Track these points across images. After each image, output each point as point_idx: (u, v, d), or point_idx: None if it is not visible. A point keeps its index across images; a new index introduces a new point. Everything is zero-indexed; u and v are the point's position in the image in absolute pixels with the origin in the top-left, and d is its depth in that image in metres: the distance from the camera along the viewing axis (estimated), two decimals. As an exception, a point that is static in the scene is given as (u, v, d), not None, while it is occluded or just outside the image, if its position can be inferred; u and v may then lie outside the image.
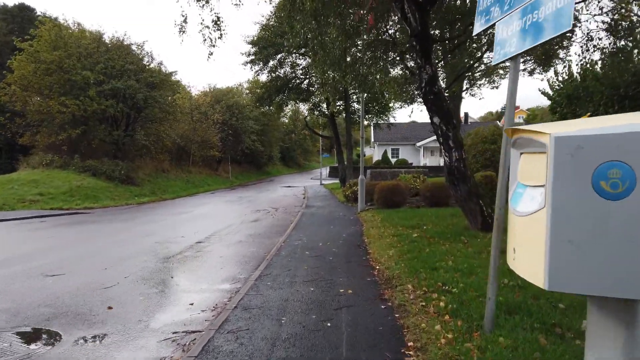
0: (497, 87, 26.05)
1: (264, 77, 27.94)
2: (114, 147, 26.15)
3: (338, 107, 30.02)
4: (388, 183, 14.29)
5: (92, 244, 9.76)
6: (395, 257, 6.93)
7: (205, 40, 8.98)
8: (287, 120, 54.29)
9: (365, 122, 32.40)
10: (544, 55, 22.47)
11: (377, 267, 6.69)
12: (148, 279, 6.52)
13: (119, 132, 25.86)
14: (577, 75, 13.06)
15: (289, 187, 32.33)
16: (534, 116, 69.66)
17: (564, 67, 13.67)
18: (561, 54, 22.28)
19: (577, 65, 13.03)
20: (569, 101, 12.90)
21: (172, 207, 18.26)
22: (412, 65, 11.93)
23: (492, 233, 3.86)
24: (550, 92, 14.16)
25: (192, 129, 34.16)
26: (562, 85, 13.50)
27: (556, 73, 13.87)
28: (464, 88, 24.30)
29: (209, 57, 9.30)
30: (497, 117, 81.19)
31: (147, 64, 27.16)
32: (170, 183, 28.66)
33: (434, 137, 47.08)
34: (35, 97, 23.85)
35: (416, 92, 19.80)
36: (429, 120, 9.51)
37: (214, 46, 9.10)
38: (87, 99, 23.70)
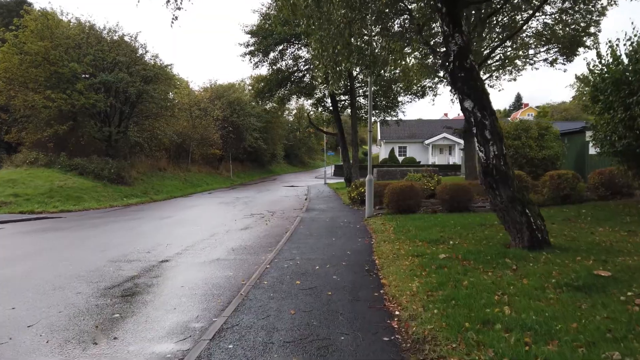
0: (515, 80, 23.50)
1: (264, 70, 25.88)
2: (106, 144, 24.14)
3: (343, 103, 27.83)
4: (400, 184, 12.05)
5: (29, 262, 7.62)
6: (422, 296, 4.70)
7: (168, 1, 6.84)
8: (292, 118, 52.15)
9: (372, 119, 30.14)
10: (570, 42, 20.08)
11: (397, 313, 4.46)
12: (59, 330, 4.35)
13: (111, 128, 23.84)
14: (625, 57, 10.76)
15: (292, 186, 30.18)
16: (544, 113, 66.89)
17: (609, 48, 11.23)
18: (588, 41, 19.97)
19: (624, 45, 10.75)
20: (615, 87, 10.58)
21: (159, 210, 16.16)
22: (433, 42, 9.63)
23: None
24: (591, 78, 11.83)
25: (191, 125, 32.09)
26: (605, 70, 11.16)
27: (599, 55, 11.45)
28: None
29: (172, 22, 7.08)
30: (504, 115, 78.24)
31: (141, 56, 25.06)
32: (166, 182, 26.60)
33: (443, 135, 44.70)
34: (20, 91, 21.86)
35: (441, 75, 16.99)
36: (459, 106, 7.26)
37: (179, 9, 6.95)
38: (75, 92, 21.68)
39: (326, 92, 27.44)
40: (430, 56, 10.82)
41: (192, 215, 14.29)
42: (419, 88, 22.52)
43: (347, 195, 17.54)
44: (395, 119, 26.69)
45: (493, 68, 22.54)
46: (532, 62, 22.06)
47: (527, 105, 77.17)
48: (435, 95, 22.87)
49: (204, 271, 6.70)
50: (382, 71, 10.06)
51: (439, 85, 22.84)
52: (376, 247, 7.78)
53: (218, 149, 34.63)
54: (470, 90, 7.01)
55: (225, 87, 37.38)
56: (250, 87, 35.35)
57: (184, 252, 8.11)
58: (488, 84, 22.48)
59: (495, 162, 6.87)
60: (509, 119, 62.41)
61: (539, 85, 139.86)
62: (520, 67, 22.75)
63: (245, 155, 40.96)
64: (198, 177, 31.32)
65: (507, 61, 22.19)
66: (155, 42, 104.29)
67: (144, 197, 21.47)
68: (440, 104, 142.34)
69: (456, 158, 43.38)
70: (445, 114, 72.57)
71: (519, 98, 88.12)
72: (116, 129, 23.98)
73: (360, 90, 26.88)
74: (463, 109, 7.17)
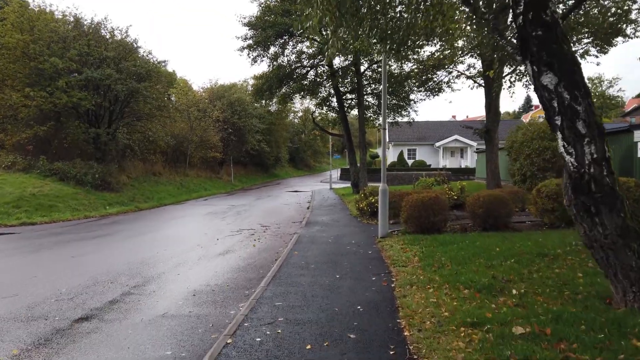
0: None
1: (264, 67, 23.35)
2: (94, 147, 21.76)
3: (349, 102, 25.21)
4: (422, 196, 9.35)
5: None
6: None
7: None
8: (297, 121, 49.67)
9: (378, 125, 27.44)
10: (607, 31, 17.16)
11: None
12: None
13: (101, 130, 21.43)
14: None
15: (295, 191, 27.60)
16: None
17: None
18: (628, 29, 17.11)
19: None
20: None
21: (137, 222, 13.65)
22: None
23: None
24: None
25: (189, 127, 29.66)
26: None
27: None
28: (506, 74, 19.16)
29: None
30: (513, 117, 74.90)
31: (131, 51, 22.66)
32: (160, 188, 24.14)
33: (454, 137, 41.77)
34: (-3, 89, 19.59)
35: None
36: (533, 84, 4.58)
37: None
38: (57, 90, 19.34)
39: (331, 91, 24.88)
40: (473, 16, 8.05)
41: (170, 231, 11.74)
42: (435, 83, 19.80)
43: (354, 204, 14.87)
44: (406, 119, 23.94)
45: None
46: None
47: (538, 106, 73.87)
48: (452, 90, 20.03)
49: (130, 347, 4.09)
50: (406, 48, 7.31)
51: (456, 81, 20.09)
52: (400, 296, 5.11)
53: (218, 152, 32.17)
54: (553, 58, 4.35)
55: (227, 88, 34.92)
56: (252, 88, 32.98)
57: (123, 300, 5.52)
58: (514, 79, 19.66)
59: (593, 170, 4.20)
60: (523, 120, 59.31)
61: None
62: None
63: (248, 158, 38.48)
64: (196, 182, 28.85)
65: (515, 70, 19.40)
66: (157, 43, 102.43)
67: (129, 205, 19.01)
68: (446, 104, 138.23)
69: (468, 161, 40.50)
70: (454, 116, 69.60)
71: (528, 100, 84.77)
72: (105, 130, 21.57)
73: (369, 89, 24.25)
74: (539, 87, 4.50)
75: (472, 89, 19.62)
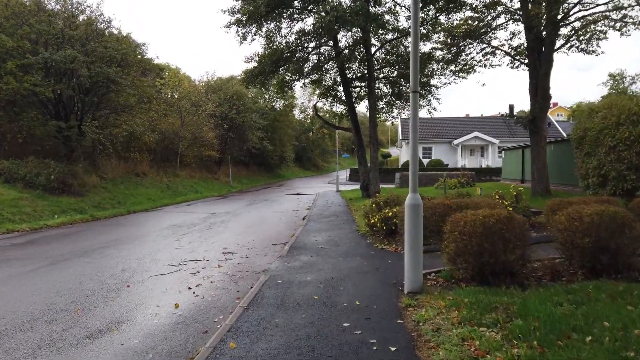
0: (594, 53, 15.79)
1: (256, 47, 19.07)
2: (63, 143, 17.86)
3: (358, 91, 20.83)
4: (484, 215, 4.93)
5: None
6: None
7: None
8: (303, 117, 45.44)
9: (392, 119, 22.91)
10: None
11: None
12: None
13: (61, 122, 17.50)
14: None
15: (297, 194, 23.36)
16: (580, 112, 58.20)
17: None
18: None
19: None
20: None
21: (57, 243, 9.47)
22: None
23: None
24: None
25: (180, 122, 25.63)
26: None
27: None
28: (563, 38, 14.50)
29: None
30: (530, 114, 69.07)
31: (101, 31, 18.68)
32: (139, 191, 20.12)
33: (474, 134, 36.62)
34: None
35: None
36: None
37: None
38: (7, 75, 15.46)
39: (337, 78, 20.60)
40: None
41: (77, 265, 7.50)
42: (464, 61, 15.29)
43: (363, 214, 10.38)
44: (426, 109, 19.38)
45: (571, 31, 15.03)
46: (625, 21, 14.32)
47: (556, 104, 68.20)
48: (486, 66, 15.45)
49: None
50: None
51: (491, 58, 15.55)
52: None
53: (214, 151, 28.09)
54: None
55: (224, 80, 30.79)
56: (242, 73, 28.52)
57: None
58: (575, 46, 14.96)
59: None
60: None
61: (567, 84, 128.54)
62: (602, 34, 15.11)
63: (250, 157, 34.36)
64: (187, 184, 24.78)
65: (586, 26, 14.73)
66: (155, 38, 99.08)
67: (89, 212, 14.97)
68: (458, 103, 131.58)
69: (490, 160, 35.67)
70: (467, 115, 64.48)
71: (511, 108, 78.77)
72: (68, 124, 17.60)
73: (381, 74, 19.82)
74: None
75: (512, 67, 14.89)
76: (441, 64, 16.05)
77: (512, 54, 15.26)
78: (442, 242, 5.43)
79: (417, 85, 4.83)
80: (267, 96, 36.33)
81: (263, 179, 36.00)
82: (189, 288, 5.50)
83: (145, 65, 20.90)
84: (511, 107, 41.44)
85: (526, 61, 14.71)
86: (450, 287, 5.04)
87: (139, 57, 20.46)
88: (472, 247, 4.87)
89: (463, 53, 15.60)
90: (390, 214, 8.07)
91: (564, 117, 63.25)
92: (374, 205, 9.05)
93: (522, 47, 14.74)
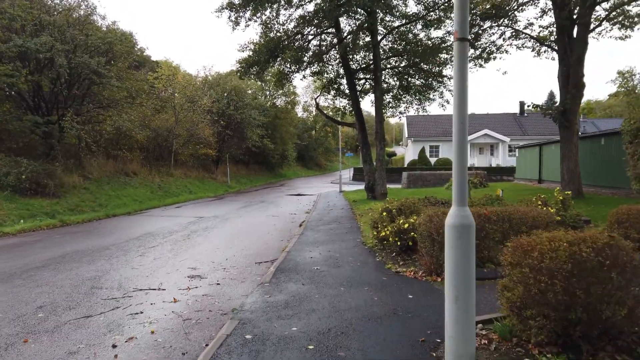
0: (627, 38, 13.74)
1: (252, 34, 17.14)
2: (41, 139, 16.10)
3: (363, 84, 18.90)
4: (571, 242, 3.06)
5: None
6: None
7: None
8: (306, 115, 43.52)
9: (399, 114, 20.86)
10: None
11: None
12: None
13: (51, 118, 15.67)
14: None
15: (298, 195, 21.50)
16: (589, 110, 55.84)
17: None
18: None
19: None
20: None
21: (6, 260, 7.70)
22: None
23: None
24: None
25: (174, 119, 23.81)
26: None
27: None
28: (598, 18, 12.46)
29: None
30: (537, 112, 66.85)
31: (82, 17, 16.86)
32: (126, 192, 18.31)
33: (484, 132, 34.27)
34: None
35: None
36: None
37: None
38: (-24, 64, 13.72)
39: (340, 71, 18.71)
40: None
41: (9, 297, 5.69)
42: (487, 46, 13.28)
43: (369, 220, 8.44)
44: (438, 102, 17.36)
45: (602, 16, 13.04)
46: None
47: (564, 102, 65.57)
48: (503, 52, 13.45)
49: None
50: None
51: (513, 44, 13.52)
52: None
53: (211, 149, 26.25)
54: None
55: (222, 75, 28.88)
56: (236, 63, 26.60)
57: None
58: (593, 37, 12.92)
59: None
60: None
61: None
62: (635, 19, 13.11)
63: (250, 156, 32.51)
64: (181, 184, 22.97)
65: (617, 9, 12.72)
66: (156, 38, 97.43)
67: (62, 216, 13.17)
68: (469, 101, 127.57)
69: (500, 159, 33.60)
70: (472, 113, 62.21)
71: (552, 96, 76.11)
72: (45, 118, 15.82)
73: (388, 65, 17.85)
74: None
75: (537, 54, 12.81)
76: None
77: (537, 37, 13.24)
78: (506, 288, 3.47)
79: (466, 31, 2.88)
80: (267, 92, 34.47)
81: (263, 179, 34.15)
82: (114, 347, 3.60)
83: (135, 56, 19.07)
84: (522, 104, 39.30)
85: (555, 46, 12.70)
86: (513, 354, 3.11)
87: (128, 48, 18.64)
88: (555, 293, 2.93)
89: (481, 37, 13.57)
90: (406, 225, 6.14)
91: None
92: (384, 212, 7.10)
93: (551, 27, 12.70)
